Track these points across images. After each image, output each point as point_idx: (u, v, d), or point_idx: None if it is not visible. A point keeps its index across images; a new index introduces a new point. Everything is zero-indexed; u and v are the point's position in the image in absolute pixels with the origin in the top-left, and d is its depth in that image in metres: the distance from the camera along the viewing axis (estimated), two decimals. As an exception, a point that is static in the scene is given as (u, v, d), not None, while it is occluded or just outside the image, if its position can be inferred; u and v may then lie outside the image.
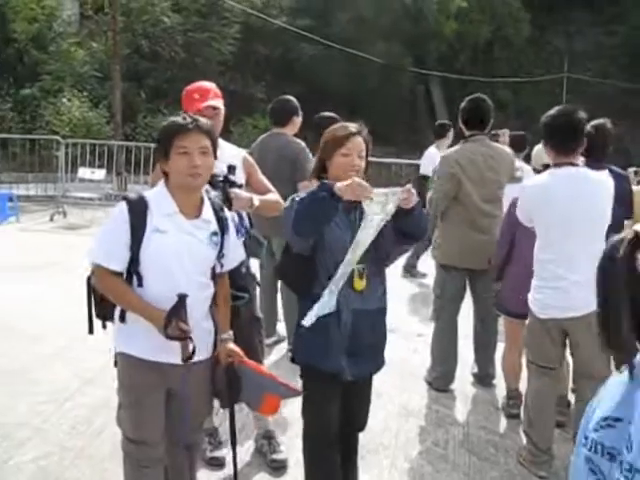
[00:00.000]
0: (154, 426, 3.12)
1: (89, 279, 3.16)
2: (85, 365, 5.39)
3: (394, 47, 27.48)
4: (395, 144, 22.89)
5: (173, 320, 2.90)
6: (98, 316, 3.19)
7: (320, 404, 3.50)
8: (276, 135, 5.98)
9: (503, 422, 5.08)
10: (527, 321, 4.46)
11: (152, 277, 3.00)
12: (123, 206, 2.98)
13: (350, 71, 25.63)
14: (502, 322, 5.44)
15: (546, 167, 4.78)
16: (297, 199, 3.28)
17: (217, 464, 4.11)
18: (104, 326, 3.22)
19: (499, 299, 5.23)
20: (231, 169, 3.75)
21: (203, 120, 3.08)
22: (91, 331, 3.20)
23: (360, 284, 3.39)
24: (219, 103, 3.98)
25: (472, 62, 30.00)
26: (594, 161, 4.62)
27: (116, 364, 3.18)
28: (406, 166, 15.98)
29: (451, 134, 9.59)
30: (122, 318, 3.07)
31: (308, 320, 3.29)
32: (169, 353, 3.02)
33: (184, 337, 2.94)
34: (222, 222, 3.18)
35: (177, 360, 3.03)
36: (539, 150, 5.09)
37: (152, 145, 14.89)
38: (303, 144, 5.90)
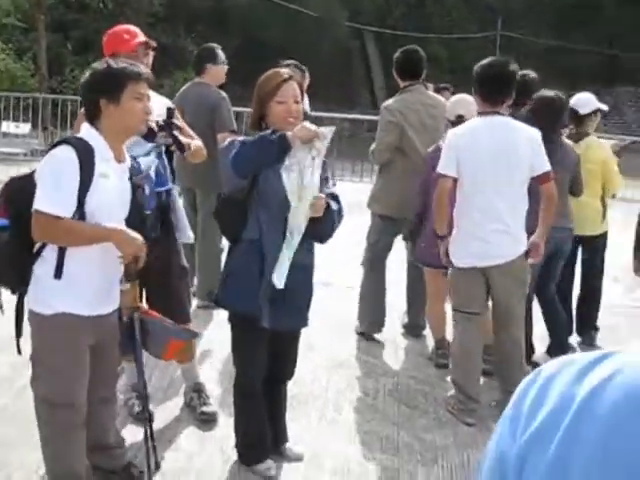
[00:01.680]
0: (84, 386, 3.06)
1: None
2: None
3: (329, 1, 27.16)
4: (330, 99, 22.76)
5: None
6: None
7: (245, 351, 3.52)
8: (196, 85, 5.88)
9: (432, 372, 5.15)
10: (449, 270, 4.53)
11: (95, 222, 2.93)
12: (70, 151, 2.86)
13: (285, 23, 25.27)
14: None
15: (459, 118, 4.93)
16: (241, 139, 3.27)
17: (144, 418, 4.04)
18: (13, 292, 3.11)
19: (419, 251, 5.29)
20: (170, 111, 3.65)
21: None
22: None
23: None
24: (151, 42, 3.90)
25: (406, 18, 29.90)
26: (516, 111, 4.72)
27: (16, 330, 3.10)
28: (340, 120, 15.95)
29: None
30: (58, 274, 2.94)
31: (278, 280, 3.32)
32: (104, 304, 3.05)
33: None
34: (133, 166, 3.18)
35: (109, 309, 3.07)
36: (453, 102, 5.28)
37: (80, 98, 14.46)
38: (224, 94, 5.77)
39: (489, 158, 4.20)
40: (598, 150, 5.26)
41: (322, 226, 3.37)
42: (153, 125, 3.28)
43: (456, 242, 4.37)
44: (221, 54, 5.91)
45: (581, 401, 0.67)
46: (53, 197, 2.86)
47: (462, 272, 4.39)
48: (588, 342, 5.79)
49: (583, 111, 5.35)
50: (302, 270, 3.47)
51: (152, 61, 3.90)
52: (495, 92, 4.28)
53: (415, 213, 5.20)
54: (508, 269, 4.29)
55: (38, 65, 19.29)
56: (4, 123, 14.28)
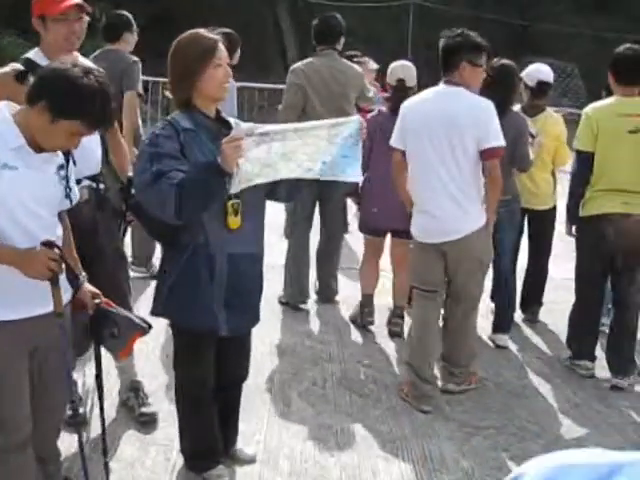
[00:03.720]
0: (21, 401, 2.65)
1: None
2: None
3: (240, -32, 26.43)
4: (244, 69, 22.23)
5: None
6: None
7: (192, 359, 3.17)
8: (109, 52, 5.55)
9: (379, 357, 4.93)
10: (411, 245, 4.45)
11: (2, 221, 2.48)
12: None
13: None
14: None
15: (400, 82, 5.07)
16: (175, 182, 2.76)
17: (77, 423, 3.65)
18: None
19: (361, 219, 5.38)
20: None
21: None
22: None
23: (234, 222, 3.00)
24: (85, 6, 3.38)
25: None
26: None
27: None
28: (258, 91, 15.52)
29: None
30: None
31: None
32: (41, 302, 2.58)
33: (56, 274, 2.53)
34: (67, 153, 2.70)
35: (47, 308, 2.60)
36: (393, 67, 5.31)
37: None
38: (136, 58, 5.51)
39: (430, 130, 4.03)
40: (555, 125, 5.11)
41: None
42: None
43: (413, 218, 4.25)
44: (134, 22, 5.79)
45: None
46: None
47: (419, 248, 4.26)
48: (532, 318, 5.70)
49: (549, 81, 5.21)
50: (256, 263, 3.18)
51: (86, 27, 3.42)
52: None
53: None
54: (462, 246, 4.10)
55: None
56: None
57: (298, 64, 5.63)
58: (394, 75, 5.16)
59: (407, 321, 5.28)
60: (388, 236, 5.39)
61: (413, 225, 4.25)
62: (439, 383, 4.40)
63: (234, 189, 2.81)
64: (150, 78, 11.10)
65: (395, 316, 5.31)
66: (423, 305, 4.33)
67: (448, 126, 3.98)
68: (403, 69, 5.20)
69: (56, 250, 2.53)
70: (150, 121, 11.54)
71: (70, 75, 2.43)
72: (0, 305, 2.54)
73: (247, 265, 3.09)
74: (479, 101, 4.08)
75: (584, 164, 4.57)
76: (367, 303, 5.36)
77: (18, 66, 3.15)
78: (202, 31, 3.05)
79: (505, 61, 4.82)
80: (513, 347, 5.23)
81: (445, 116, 3.99)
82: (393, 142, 4.24)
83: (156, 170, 2.81)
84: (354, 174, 3.09)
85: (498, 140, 4.01)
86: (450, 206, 4.04)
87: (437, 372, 4.41)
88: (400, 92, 5.05)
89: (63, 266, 2.56)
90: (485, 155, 4.00)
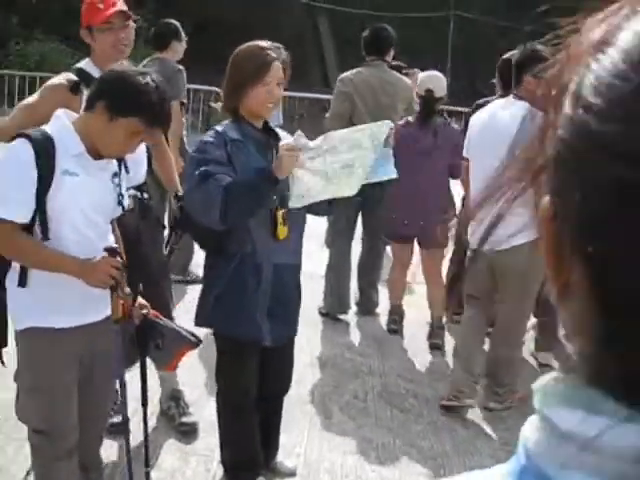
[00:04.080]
0: (69, 410, 2.66)
1: None
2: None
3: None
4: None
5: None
6: None
7: (236, 368, 3.15)
8: (156, 60, 5.61)
9: (419, 370, 4.89)
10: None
11: (63, 228, 2.49)
12: (26, 146, 2.42)
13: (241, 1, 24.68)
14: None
15: (428, 92, 5.06)
16: (223, 185, 2.79)
17: (124, 431, 3.65)
18: None
19: (386, 226, 5.38)
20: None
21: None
22: None
23: (283, 232, 3.01)
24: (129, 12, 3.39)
25: (360, -4, 29.47)
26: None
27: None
28: (299, 100, 15.56)
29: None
30: (22, 281, 2.51)
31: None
32: (94, 309, 2.62)
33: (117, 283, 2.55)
34: (121, 160, 2.72)
35: (102, 315, 2.65)
36: (422, 77, 5.36)
37: (27, 74, 13.82)
38: (181, 67, 5.57)
39: (484, 143, 4.03)
40: None
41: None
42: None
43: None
44: (182, 31, 5.85)
45: None
46: (4, 200, 2.45)
47: (474, 253, 4.21)
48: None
49: None
50: (297, 273, 3.19)
51: (133, 34, 3.42)
52: None
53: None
54: (510, 257, 4.01)
55: (-20, 38, 18.40)
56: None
57: (347, 73, 5.59)
58: (423, 85, 5.18)
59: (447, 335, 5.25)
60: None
61: (470, 232, 4.26)
62: (481, 400, 4.36)
63: (296, 204, 2.84)
64: (191, 86, 11.14)
65: (435, 329, 5.27)
66: (468, 309, 4.39)
67: (499, 139, 3.95)
68: (431, 79, 5.20)
69: (118, 258, 2.55)
70: (191, 129, 11.59)
71: (127, 74, 2.51)
72: (53, 313, 2.56)
73: (290, 275, 3.10)
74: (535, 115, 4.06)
75: None
76: (394, 312, 5.45)
77: (71, 76, 3.17)
78: (262, 45, 3.05)
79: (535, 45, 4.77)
80: (556, 364, 5.15)
81: (498, 129, 3.97)
82: (464, 151, 4.40)
83: (203, 171, 2.84)
84: (387, 172, 3.08)
85: None
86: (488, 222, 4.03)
87: (480, 389, 4.36)
88: (428, 102, 5.10)
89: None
90: None
